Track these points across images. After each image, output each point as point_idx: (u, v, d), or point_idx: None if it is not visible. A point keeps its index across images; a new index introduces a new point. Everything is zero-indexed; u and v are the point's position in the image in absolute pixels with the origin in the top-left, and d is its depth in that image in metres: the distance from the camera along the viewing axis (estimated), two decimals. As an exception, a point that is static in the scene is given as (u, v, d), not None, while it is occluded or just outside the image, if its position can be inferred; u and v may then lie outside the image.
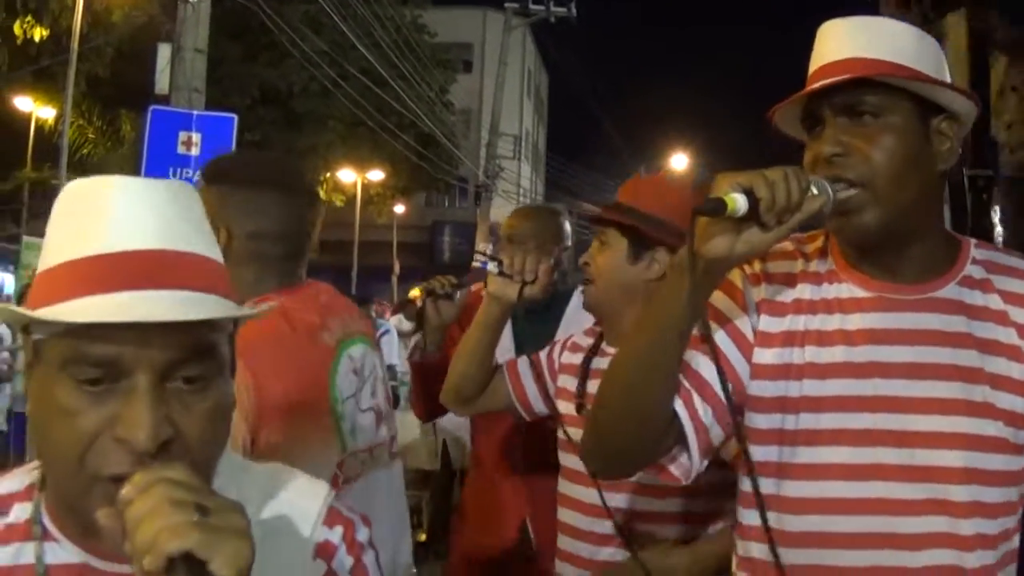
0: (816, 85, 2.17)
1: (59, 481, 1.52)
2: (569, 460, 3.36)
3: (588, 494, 3.25)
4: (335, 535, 1.70)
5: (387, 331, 14.67)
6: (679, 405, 2.19)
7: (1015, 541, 2.21)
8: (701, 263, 1.99)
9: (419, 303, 4.06)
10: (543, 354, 3.39)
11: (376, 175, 38.52)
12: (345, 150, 35.81)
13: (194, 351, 1.48)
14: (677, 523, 3.22)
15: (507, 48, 35.68)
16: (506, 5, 35.84)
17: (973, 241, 2.31)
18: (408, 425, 9.91)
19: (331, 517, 1.71)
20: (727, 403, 2.14)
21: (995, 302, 2.20)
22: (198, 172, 2.99)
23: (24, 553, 1.58)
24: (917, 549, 2.11)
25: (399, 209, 44.23)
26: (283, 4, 25.14)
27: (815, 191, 2.00)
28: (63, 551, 1.57)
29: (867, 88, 2.14)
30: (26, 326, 1.50)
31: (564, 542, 3.42)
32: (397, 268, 39.46)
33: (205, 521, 1.31)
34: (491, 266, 3.20)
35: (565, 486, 3.42)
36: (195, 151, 12.15)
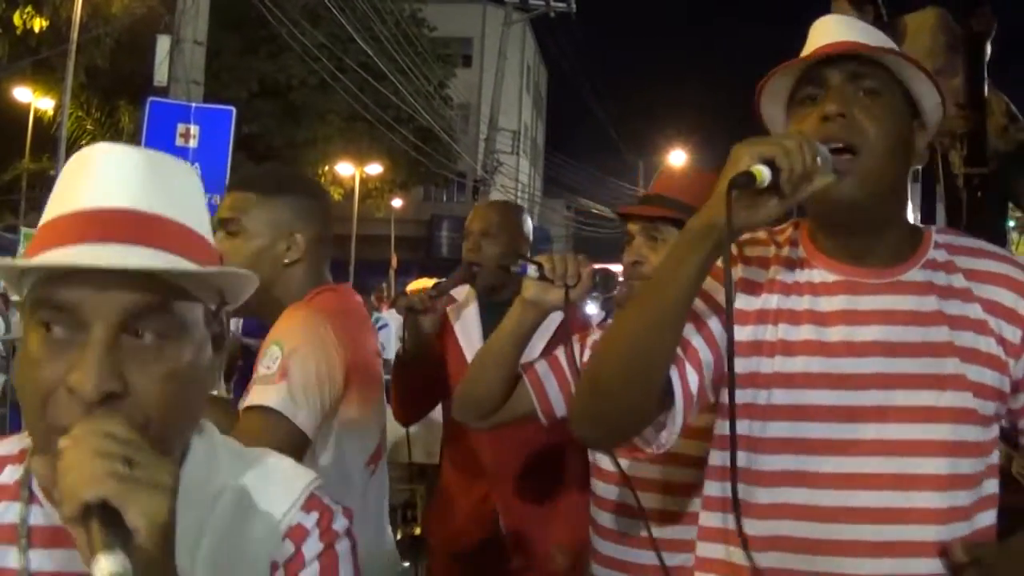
0: (828, 48, 2.26)
1: (30, 434, 1.56)
2: (603, 460, 3.31)
3: (624, 494, 3.23)
4: (310, 520, 1.70)
5: (385, 325, 14.65)
6: (674, 377, 2.22)
7: (991, 515, 2.26)
8: (719, 232, 2.05)
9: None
10: (560, 353, 3.27)
11: (374, 169, 38.48)
12: (343, 143, 35.79)
13: (152, 306, 1.50)
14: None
15: (506, 43, 35.73)
16: (506, 0, 35.83)
17: (934, 227, 2.41)
18: (403, 419, 9.94)
19: (310, 502, 1.72)
20: (728, 371, 2.17)
21: (959, 281, 2.28)
22: (238, 180, 3.27)
23: (10, 512, 1.62)
24: (892, 523, 2.15)
25: (397, 203, 44.20)
26: (282, -3, 25.13)
27: (820, 162, 2.05)
28: (43, 514, 1.60)
29: (871, 68, 2.24)
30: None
31: (601, 545, 3.38)
32: (395, 262, 39.44)
33: (126, 472, 1.31)
34: (531, 270, 3.03)
35: (599, 487, 3.39)
36: (193, 143, 12.18)
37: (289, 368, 2.83)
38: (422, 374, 4.33)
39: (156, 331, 1.51)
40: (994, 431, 2.27)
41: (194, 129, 12.28)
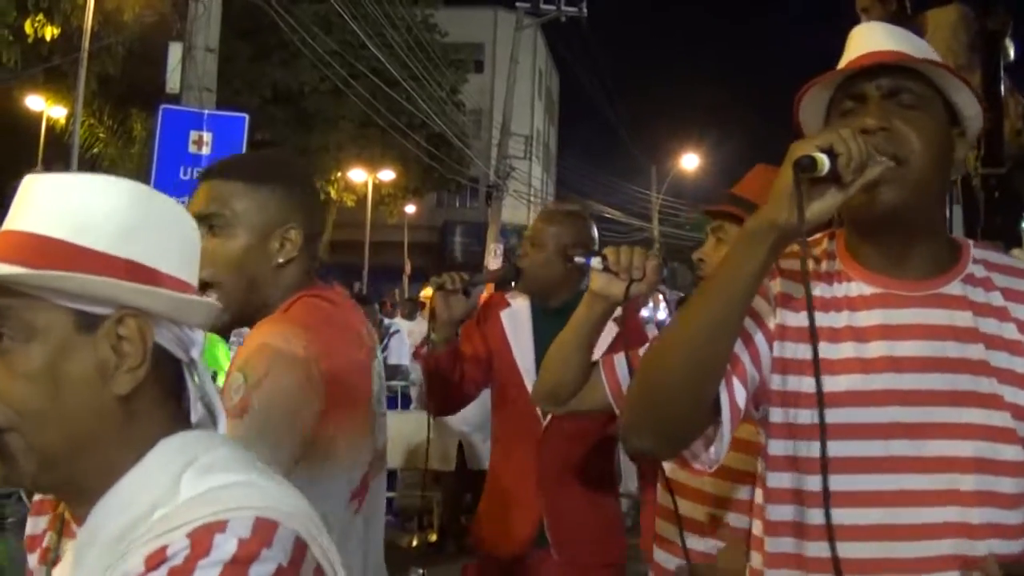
0: (866, 58, 2.25)
1: None
2: (666, 467, 3.33)
3: (698, 480, 3.26)
4: (177, 547, 1.46)
5: (397, 331, 14.66)
6: (723, 391, 2.20)
7: None
8: (778, 230, 2.05)
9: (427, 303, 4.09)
10: (642, 351, 3.23)
11: (387, 175, 38.55)
12: (356, 150, 35.86)
13: None
14: None
15: (518, 48, 35.65)
16: (517, 5, 35.82)
17: (971, 242, 2.38)
18: (421, 426, 9.93)
19: (196, 533, 1.48)
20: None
21: (996, 299, 2.26)
22: (215, 170, 2.90)
23: (47, 536, 1.73)
24: (929, 539, 2.14)
25: (410, 209, 44.26)
26: (294, 3, 25.16)
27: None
28: (71, 547, 1.65)
29: (911, 79, 2.23)
30: None
31: (663, 528, 3.45)
32: (408, 268, 39.46)
33: None
34: (595, 262, 2.99)
35: (675, 471, 3.37)
36: (206, 150, 12.13)
37: (251, 402, 2.50)
38: (453, 365, 4.30)
39: (3, 332, 1.58)
40: None
41: (207, 136, 12.24)
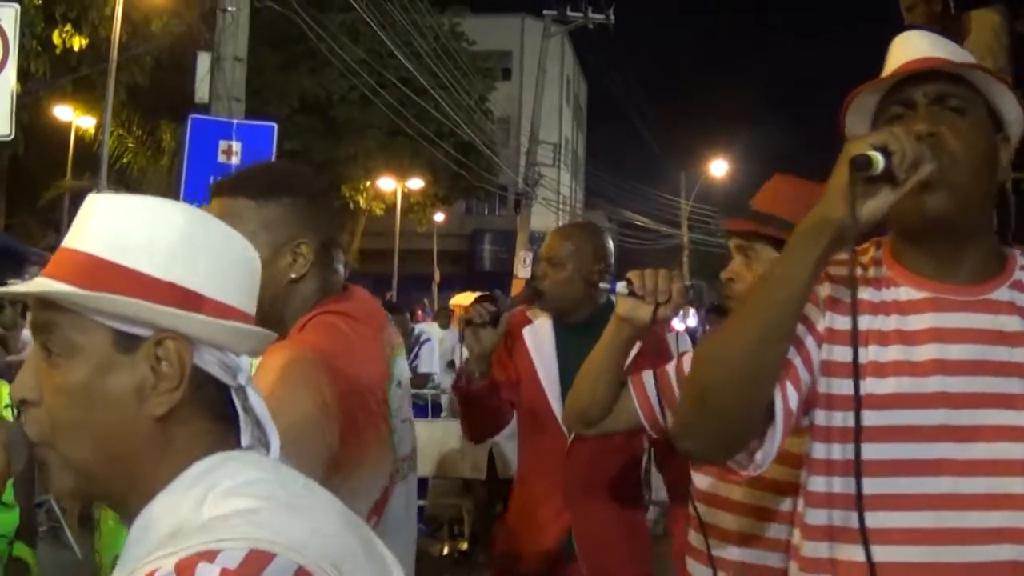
0: (915, 64, 2.29)
1: None
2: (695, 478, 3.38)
3: (727, 489, 3.25)
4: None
5: (428, 340, 14.61)
6: (777, 395, 2.22)
7: None
8: (834, 228, 2.07)
9: (459, 323, 4.06)
10: (670, 367, 3.22)
11: (416, 183, 38.68)
12: (385, 158, 35.95)
13: (41, 324, 1.64)
14: None
15: (546, 55, 35.64)
16: (544, 12, 35.83)
17: (1018, 250, 2.41)
18: (451, 435, 9.92)
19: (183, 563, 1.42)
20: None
21: None
22: (224, 186, 2.83)
23: None
24: (982, 544, 2.14)
25: (439, 217, 44.40)
26: (322, 13, 25.19)
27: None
28: None
29: (956, 85, 2.26)
30: None
31: (693, 538, 3.43)
32: (437, 276, 39.55)
33: None
34: (620, 287, 3.03)
35: (702, 480, 3.39)
36: (235, 160, 12.14)
37: None
38: (488, 395, 4.28)
39: (49, 346, 1.62)
40: None
41: (236, 146, 12.24)
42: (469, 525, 10.87)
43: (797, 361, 2.24)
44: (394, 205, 39.49)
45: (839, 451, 2.24)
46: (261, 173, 3.01)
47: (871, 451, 2.17)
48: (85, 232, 1.66)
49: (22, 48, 10.65)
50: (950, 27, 6.13)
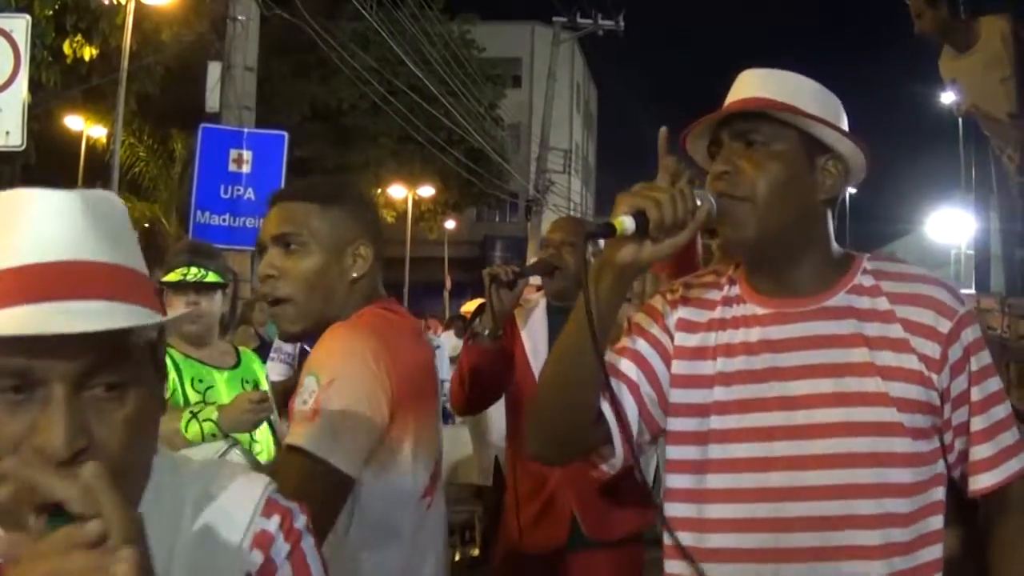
0: (715, 114, 2.51)
1: None
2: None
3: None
4: (272, 524, 1.70)
5: (439, 347, 14.62)
6: (605, 405, 2.46)
7: (935, 523, 2.43)
8: (612, 270, 2.32)
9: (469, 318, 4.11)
10: None
11: (427, 191, 38.73)
12: (395, 166, 36.03)
13: (105, 360, 1.48)
14: None
15: (556, 62, 35.70)
16: (554, 19, 35.90)
17: (867, 255, 2.60)
18: (460, 441, 9.92)
19: (269, 507, 1.71)
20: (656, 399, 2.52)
21: (882, 304, 2.46)
22: (287, 192, 3.08)
23: None
24: (829, 530, 2.35)
25: (450, 224, 44.43)
26: (332, 21, 25.23)
27: (699, 202, 2.28)
28: None
29: (761, 121, 2.46)
30: None
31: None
32: (449, 283, 39.55)
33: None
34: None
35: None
36: (246, 168, 12.14)
37: (324, 403, 2.59)
38: (496, 359, 4.38)
39: (111, 383, 1.49)
40: (935, 443, 2.45)
41: (247, 155, 12.23)
42: (480, 531, 10.87)
43: (634, 375, 2.52)
44: (405, 212, 39.53)
45: (694, 452, 2.49)
46: (324, 182, 3.20)
47: (717, 451, 2.45)
48: (89, 237, 1.54)
49: (33, 59, 10.64)
50: (958, 34, 6.13)
